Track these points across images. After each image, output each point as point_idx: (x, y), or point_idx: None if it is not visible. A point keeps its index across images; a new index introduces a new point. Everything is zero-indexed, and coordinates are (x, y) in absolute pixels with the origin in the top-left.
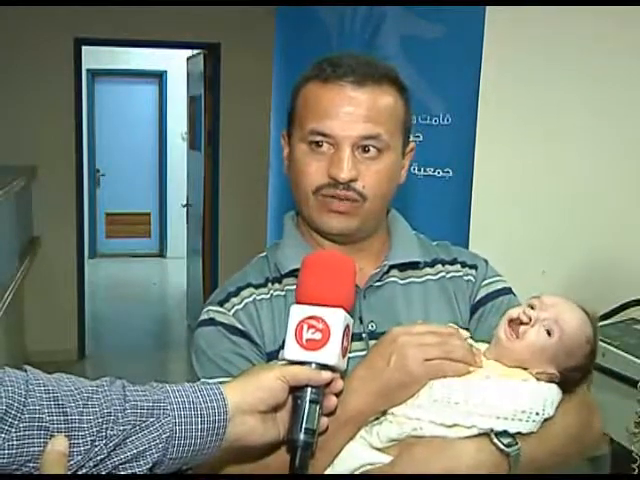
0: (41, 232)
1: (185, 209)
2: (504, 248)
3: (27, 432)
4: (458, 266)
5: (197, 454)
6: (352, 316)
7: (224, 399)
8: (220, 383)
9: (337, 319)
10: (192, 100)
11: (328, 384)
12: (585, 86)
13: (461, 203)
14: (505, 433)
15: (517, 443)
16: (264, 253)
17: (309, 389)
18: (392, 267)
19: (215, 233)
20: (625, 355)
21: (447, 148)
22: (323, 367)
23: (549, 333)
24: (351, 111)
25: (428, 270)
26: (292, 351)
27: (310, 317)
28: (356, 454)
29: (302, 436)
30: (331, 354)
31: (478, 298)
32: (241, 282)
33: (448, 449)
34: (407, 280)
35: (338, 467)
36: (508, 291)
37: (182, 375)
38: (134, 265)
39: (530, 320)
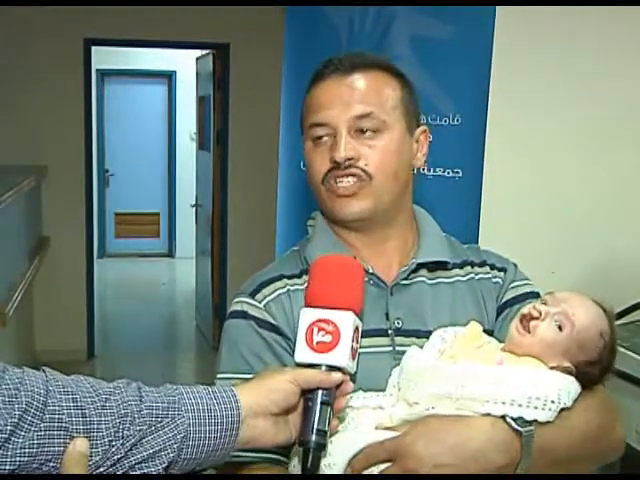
0: (51, 232)
1: (194, 209)
2: (514, 249)
3: (47, 432)
4: (487, 268)
5: (211, 455)
6: (361, 319)
7: (237, 401)
8: (243, 380)
9: (347, 321)
10: (201, 100)
11: (338, 386)
12: (598, 86)
13: (471, 203)
14: (521, 419)
15: (531, 425)
16: (296, 247)
17: (320, 391)
18: (420, 266)
19: (224, 233)
20: (635, 356)
21: (457, 148)
22: (333, 369)
23: (560, 327)
24: (342, 97)
25: (457, 271)
26: (303, 354)
27: (320, 320)
28: (362, 435)
29: (314, 437)
30: (341, 356)
31: (505, 300)
32: (273, 273)
33: (462, 422)
34: (435, 280)
35: (344, 447)
36: (536, 295)
37: (190, 374)
38: (143, 265)
39: (540, 315)
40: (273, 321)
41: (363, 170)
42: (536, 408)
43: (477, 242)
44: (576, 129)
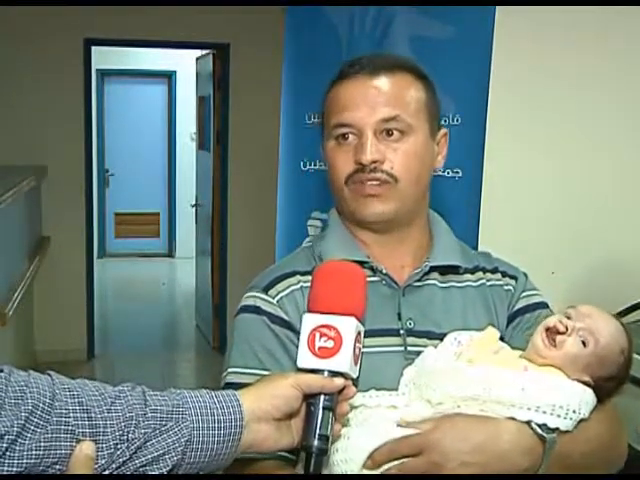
0: (50, 232)
1: (194, 209)
2: (514, 249)
3: (54, 434)
4: (499, 275)
5: (214, 459)
6: (363, 324)
7: (240, 405)
8: (254, 375)
9: (349, 327)
10: (201, 100)
11: (341, 391)
12: (599, 86)
13: (471, 204)
14: (545, 426)
15: (554, 432)
16: (309, 243)
17: (322, 396)
18: (433, 269)
19: (224, 233)
20: (635, 356)
21: (457, 148)
22: (336, 374)
23: (584, 343)
24: (368, 99)
25: (469, 276)
26: (305, 359)
27: (322, 325)
28: (383, 430)
29: (316, 442)
30: (343, 361)
31: (516, 308)
32: (287, 269)
33: (489, 423)
34: (447, 284)
35: (363, 442)
36: (545, 305)
37: (190, 375)
38: (143, 265)
39: (567, 330)
40: (285, 317)
41: (388, 173)
42: (559, 416)
43: (477, 242)
44: (576, 129)
